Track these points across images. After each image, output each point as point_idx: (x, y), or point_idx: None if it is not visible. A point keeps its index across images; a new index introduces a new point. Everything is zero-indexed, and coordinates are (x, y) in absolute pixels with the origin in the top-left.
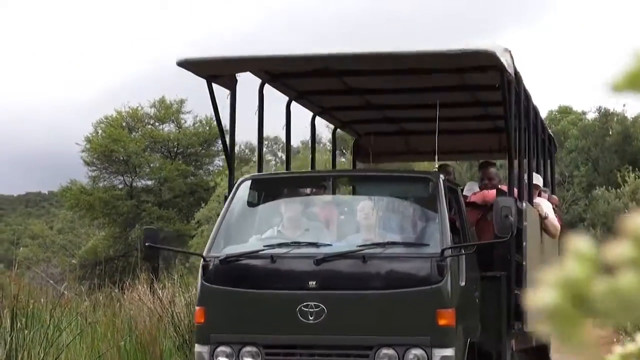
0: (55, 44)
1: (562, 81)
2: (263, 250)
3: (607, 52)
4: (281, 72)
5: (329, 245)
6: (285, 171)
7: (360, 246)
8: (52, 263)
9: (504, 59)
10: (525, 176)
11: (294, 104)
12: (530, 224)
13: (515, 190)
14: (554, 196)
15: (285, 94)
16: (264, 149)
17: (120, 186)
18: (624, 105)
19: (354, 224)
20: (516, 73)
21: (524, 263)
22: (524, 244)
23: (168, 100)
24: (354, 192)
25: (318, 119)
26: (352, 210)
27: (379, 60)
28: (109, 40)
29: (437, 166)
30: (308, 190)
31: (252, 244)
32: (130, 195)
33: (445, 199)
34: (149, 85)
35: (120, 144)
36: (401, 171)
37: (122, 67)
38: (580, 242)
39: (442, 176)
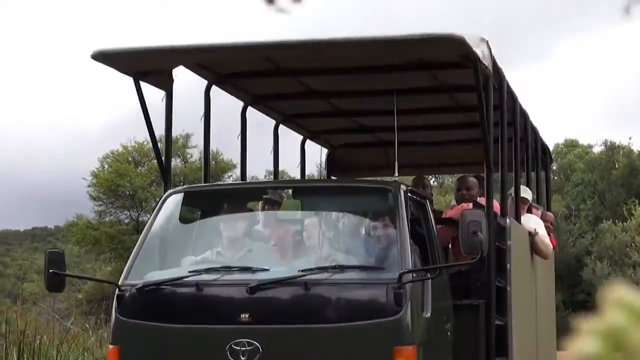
0: (57, 78)
1: (568, 115)
2: (187, 276)
3: (614, 84)
4: (228, 73)
5: (265, 270)
6: (221, 183)
7: (302, 271)
8: (59, 298)
9: (480, 50)
10: (513, 189)
11: (251, 110)
12: (516, 243)
13: (497, 204)
14: (549, 213)
15: (238, 97)
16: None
17: (126, 221)
18: (630, 138)
19: (304, 244)
20: (497, 68)
21: (507, 288)
22: (508, 266)
23: (174, 134)
24: (301, 207)
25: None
26: (303, 228)
27: (326, 48)
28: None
29: (395, 177)
30: (260, 205)
31: (179, 269)
32: (137, 229)
33: (407, 213)
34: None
35: (126, 178)
36: (355, 181)
37: (128, 99)
38: (621, 291)
39: (403, 186)
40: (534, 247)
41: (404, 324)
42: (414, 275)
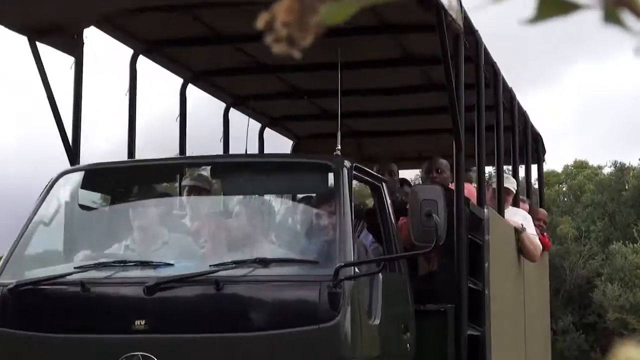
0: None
1: (577, 136)
2: (71, 274)
3: (623, 105)
4: (157, 40)
5: (169, 265)
6: (126, 160)
7: (214, 266)
8: None
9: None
10: (491, 177)
11: (193, 90)
12: (497, 238)
13: (473, 190)
14: (541, 210)
15: (176, 73)
16: None
17: None
18: None
19: (224, 233)
20: (471, 29)
21: (485, 291)
22: (486, 265)
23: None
24: (222, 188)
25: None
26: (230, 215)
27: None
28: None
29: (337, 151)
30: (185, 194)
31: (67, 266)
32: None
33: (351, 195)
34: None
35: None
36: (289, 156)
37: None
38: (630, 352)
39: (347, 162)
40: (521, 246)
41: (342, 333)
42: (356, 270)
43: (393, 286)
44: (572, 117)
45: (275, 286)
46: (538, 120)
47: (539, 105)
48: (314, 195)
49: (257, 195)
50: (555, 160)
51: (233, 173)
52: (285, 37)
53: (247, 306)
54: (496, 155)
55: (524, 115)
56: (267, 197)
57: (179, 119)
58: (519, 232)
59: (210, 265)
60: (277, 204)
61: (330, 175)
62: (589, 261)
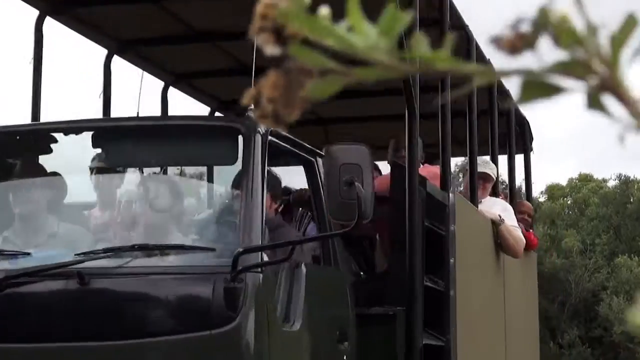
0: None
1: (582, 149)
2: None
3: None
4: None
5: (26, 255)
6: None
7: (80, 255)
8: None
9: None
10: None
11: (122, 64)
12: (466, 230)
13: (436, 170)
14: (526, 202)
15: (97, 42)
16: None
17: None
18: None
19: (110, 215)
20: None
21: (450, 292)
22: (451, 260)
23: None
24: (107, 158)
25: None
26: (113, 192)
27: None
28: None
29: (250, 110)
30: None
31: None
32: None
33: (263, 166)
34: None
35: None
36: (190, 118)
37: None
38: None
39: (262, 128)
40: (501, 240)
41: (242, 341)
42: (264, 257)
43: (324, 283)
44: (576, 130)
45: (157, 280)
46: (541, 131)
47: (543, 115)
48: (219, 166)
49: (147, 168)
50: (559, 174)
51: (119, 140)
52: (271, 114)
53: (119, 307)
54: (468, 138)
55: (506, 95)
56: (159, 169)
57: (102, 95)
58: (496, 224)
59: (75, 255)
60: (172, 177)
61: (239, 142)
62: (595, 274)
